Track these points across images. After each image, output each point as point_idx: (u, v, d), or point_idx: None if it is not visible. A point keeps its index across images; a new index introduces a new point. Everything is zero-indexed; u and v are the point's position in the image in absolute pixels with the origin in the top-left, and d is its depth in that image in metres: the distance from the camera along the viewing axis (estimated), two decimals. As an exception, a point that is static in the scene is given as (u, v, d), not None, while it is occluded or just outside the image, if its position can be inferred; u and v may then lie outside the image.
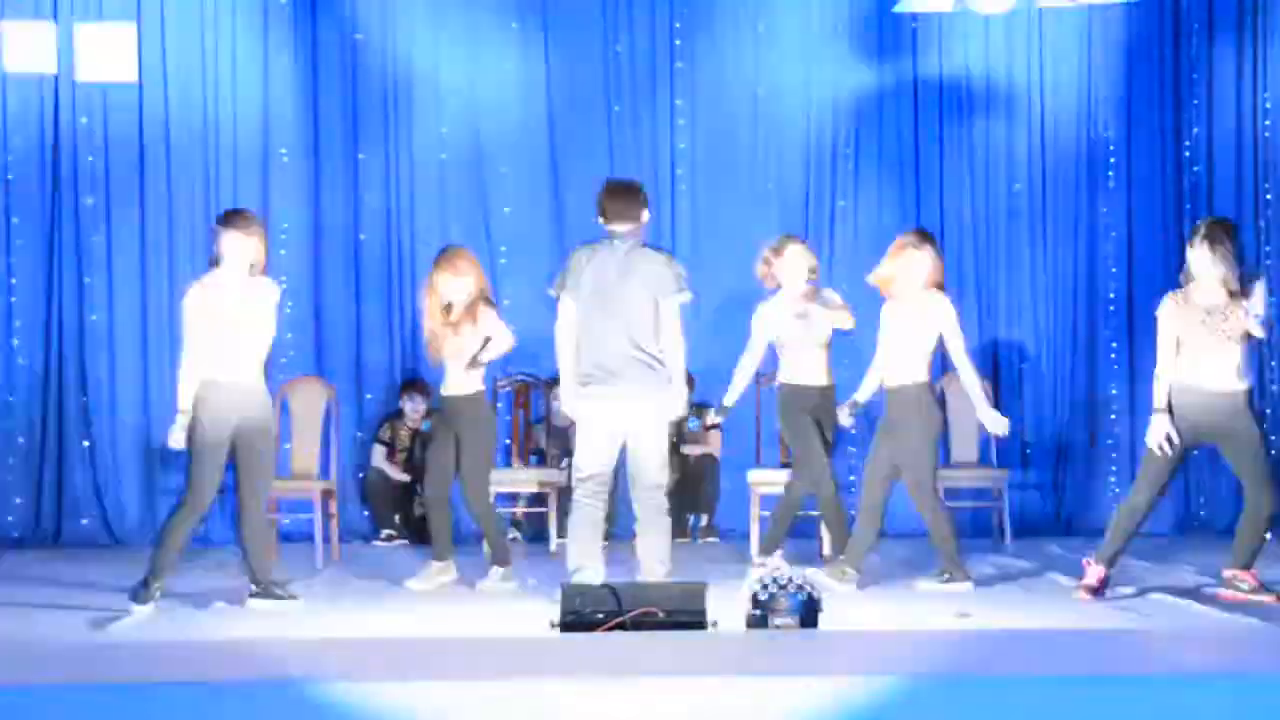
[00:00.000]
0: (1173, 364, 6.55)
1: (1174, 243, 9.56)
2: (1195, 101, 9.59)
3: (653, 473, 6.49)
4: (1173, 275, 9.44)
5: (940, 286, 7.06)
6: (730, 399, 7.67)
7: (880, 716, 4.31)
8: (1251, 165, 9.56)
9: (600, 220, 6.60)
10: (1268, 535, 6.64)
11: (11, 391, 9.38)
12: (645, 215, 6.63)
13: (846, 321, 7.54)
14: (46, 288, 9.42)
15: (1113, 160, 9.62)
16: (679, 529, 9.20)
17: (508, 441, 9.35)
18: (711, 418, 8.08)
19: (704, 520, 9.31)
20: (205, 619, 6.39)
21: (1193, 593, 6.75)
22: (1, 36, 9.24)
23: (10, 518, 9.26)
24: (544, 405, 9.32)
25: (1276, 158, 9.55)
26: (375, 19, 9.58)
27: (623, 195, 6.59)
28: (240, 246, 6.61)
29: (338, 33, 9.56)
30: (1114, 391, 9.55)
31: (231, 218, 6.72)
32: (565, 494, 8.81)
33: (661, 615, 5.53)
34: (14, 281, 9.43)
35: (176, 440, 6.60)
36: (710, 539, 9.12)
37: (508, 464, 9.23)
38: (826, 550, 7.79)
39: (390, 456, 9.32)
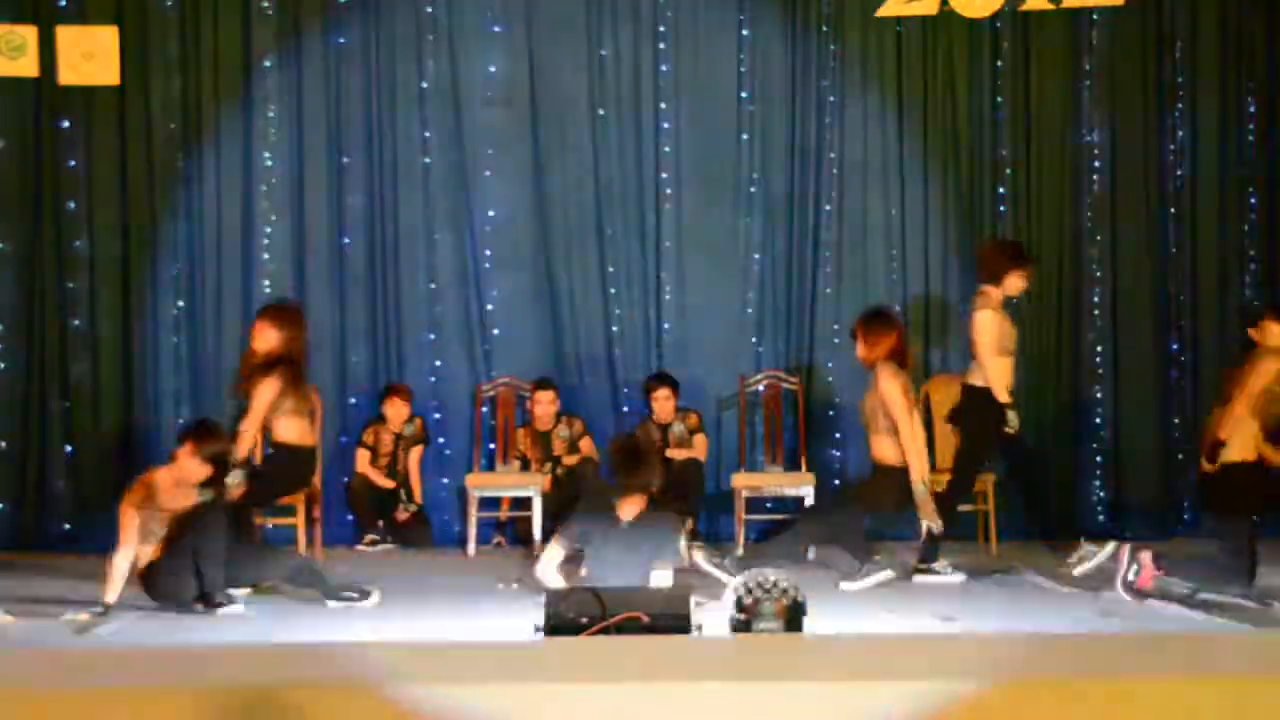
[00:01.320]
0: None
1: (1158, 247, 9.57)
2: (1179, 105, 9.60)
3: None
4: (1157, 280, 9.53)
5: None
6: None
7: (865, 720, 4.30)
8: (1236, 169, 9.56)
9: (614, 478, 6.92)
10: None
11: (-8, 396, 9.34)
12: (658, 480, 7.06)
13: None
14: (28, 292, 9.38)
15: (1097, 164, 9.61)
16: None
17: (492, 446, 9.33)
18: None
19: (689, 524, 9.29)
20: (192, 625, 6.36)
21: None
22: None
23: (-10, 523, 9.22)
24: (527, 409, 9.30)
25: (1261, 161, 9.56)
26: (358, 22, 9.54)
27: (637, 458, 6.96)
28: (191, 466, 6.70)
29: (321, 35, 9.53)
30: (1098, 395, 9.55)
31: (189, 433, 6.83)
32: (548, 498, 8.84)
33: (646, 619, 5.52)
34: (-5, 285, 9.40)
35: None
36: (696, 543, 9.08)
37: (491, 467, 9.23)
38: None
39: (373, 461, 9.29)
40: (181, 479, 6.72)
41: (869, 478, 7.68)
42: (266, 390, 7.14)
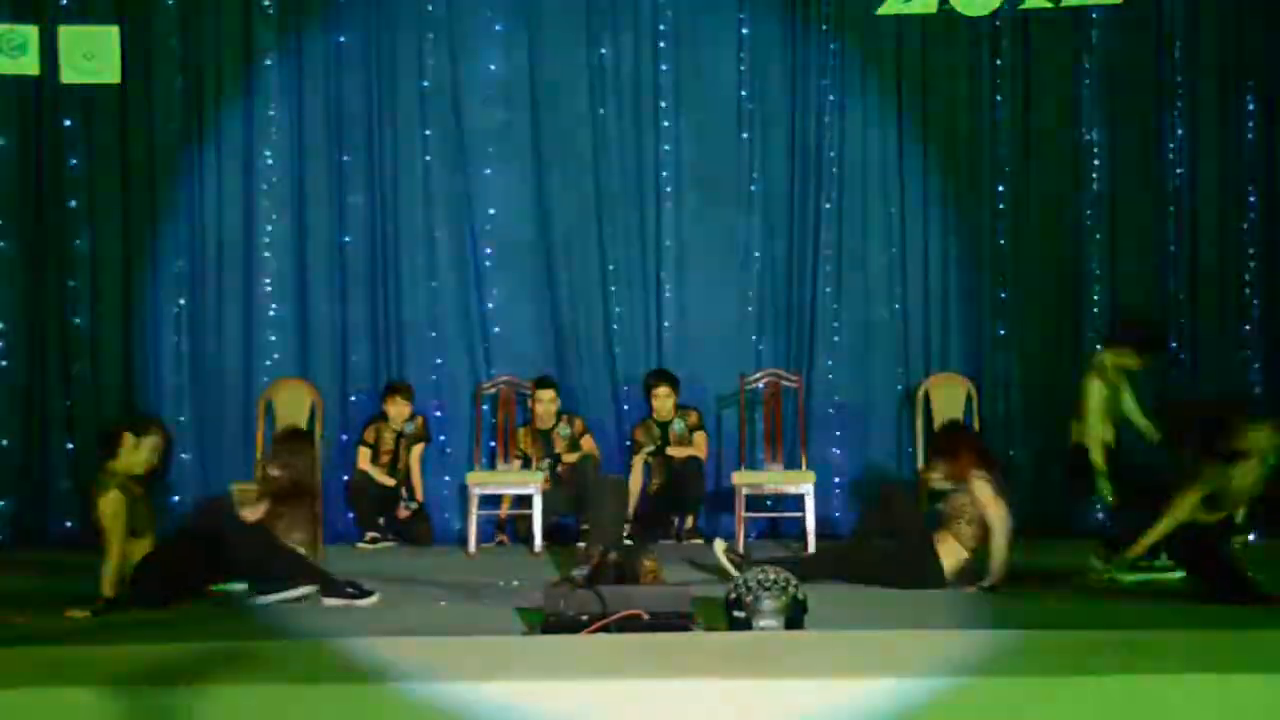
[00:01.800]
0: None
1: (1157, 245, 9.58)
2: (1179, 105, 9.60)
3: None
4: (1156, 278, 9.54)
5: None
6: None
7: (866, 718, 4.31)
8: (1235, 168, 9.57)
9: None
10: None
11: (-6, 394, 9.36)
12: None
13: None
14: (29, 291, 9.40)
15: (1097, 164, 9.62)
16: (665, 531, 9.22)
17: (493, 444, 9.34)
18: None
19: (689, 522, 9.30)
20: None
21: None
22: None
23: (-7, 520, 9.24)
24: (528, 407, 9.31)
25: (1261, 161, 9.57)
26: (359, 21, 9.56)
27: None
28: (143, 459, 6.86)
29: (321, 34, 9.54)
30: (1098, 393, 9.54)
31: (157, 428, 7.03)
32: (549, 496, 8.85)
33: (646, 617, 5.53)
34: (-4, 284, 9.41)
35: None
36: (695, 541, 9.10)
37: (492, 466, 9.24)
38: None
39: (374, 459, 9.30)
40: (125, 467, 6.80)
41: (906, 553, 7.23)
42: (277, 519, 7.24)
